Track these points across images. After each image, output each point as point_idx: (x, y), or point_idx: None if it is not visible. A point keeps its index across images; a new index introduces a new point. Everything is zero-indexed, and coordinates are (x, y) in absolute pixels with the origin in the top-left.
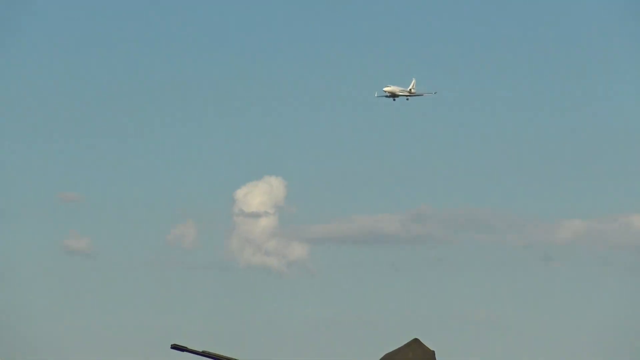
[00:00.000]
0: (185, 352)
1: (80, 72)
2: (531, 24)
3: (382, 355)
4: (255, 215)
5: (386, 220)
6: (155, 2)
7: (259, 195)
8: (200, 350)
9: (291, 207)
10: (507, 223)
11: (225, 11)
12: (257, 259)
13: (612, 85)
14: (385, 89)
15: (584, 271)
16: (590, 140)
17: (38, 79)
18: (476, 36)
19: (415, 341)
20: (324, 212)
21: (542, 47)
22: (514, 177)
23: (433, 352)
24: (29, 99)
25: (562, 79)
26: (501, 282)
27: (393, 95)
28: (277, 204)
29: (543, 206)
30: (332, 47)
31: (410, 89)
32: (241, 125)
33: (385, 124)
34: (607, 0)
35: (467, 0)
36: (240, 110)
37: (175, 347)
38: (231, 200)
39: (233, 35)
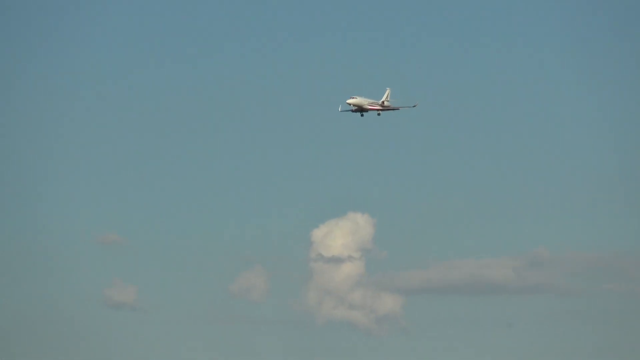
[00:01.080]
0: None
1: (131, 100)
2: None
3: None
4: (337, 260)
5: (495, 265)
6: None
7: (341, 236)
8: None
9: (381, 250)
10: None
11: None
12: (340, 313)
13: None
14: (349, 101)
15: None
16: None
17: (85, 108)
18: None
19: None
20: (420, 256)
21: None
22: None
23: None
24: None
25: None
26: (638, 341)
27: (360, 109)
28: (364, 247)
29: None
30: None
31: (383, 101)
32: (319, 153)
33: (488, 151)
34: None
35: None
36: (317, 134)
37: None
38: (308, 242)
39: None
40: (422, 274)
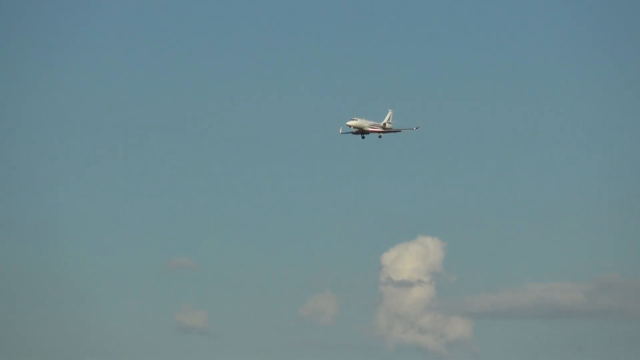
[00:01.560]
0: None
1: (197, 124)
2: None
3: None
4: (407, 285)
5: (565, 289)
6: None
7: (411, 260)
8: None
9: (450, 274)
10: None
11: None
12: (409, 337)
13: None
14: (349, 122)
15: None
16: None
17: (148, 132)
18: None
19: None
20: (490, 279)
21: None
22: None
23: None
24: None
25: None
26: None
27: (361, 132)
28: (434, 271)
29: None
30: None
31: (385, 124)
32: (386, 174)
33: (564, 172)
34: None
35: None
36: (386, 156)
37: None
38: (377, 265)
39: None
40: (492, 298)
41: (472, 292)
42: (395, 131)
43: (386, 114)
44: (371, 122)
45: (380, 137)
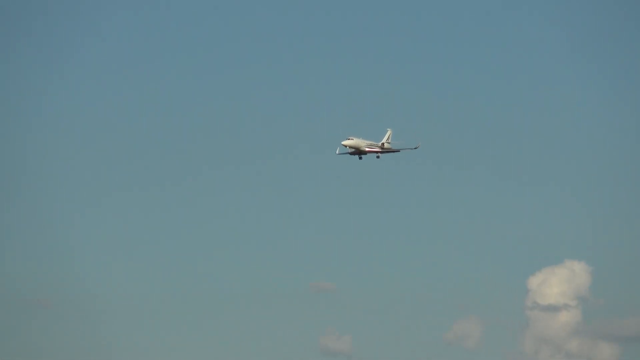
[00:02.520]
0: None
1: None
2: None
3: None
4: (554, 309)
5: None
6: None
7: (557, 284)
8: None
9: (598, 298)
10: None
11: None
12: None
13: None
14: (344, 142)
15: None
16: None
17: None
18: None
19: None
20: (638, 303)
21: None
22: None
23: None
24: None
25: None
26: None
27: (357, 152)
28: (581, 295)
29: None
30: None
31: (383, 143)
32: (537, 196)
33: None
34: None
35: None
36: (533, 176)
37: None
38: (523, 290)
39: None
40: None
41: (619, 316)
42: (394, 151)
43: (385, 134)
44: (368, 142)
45: (378, 157)
